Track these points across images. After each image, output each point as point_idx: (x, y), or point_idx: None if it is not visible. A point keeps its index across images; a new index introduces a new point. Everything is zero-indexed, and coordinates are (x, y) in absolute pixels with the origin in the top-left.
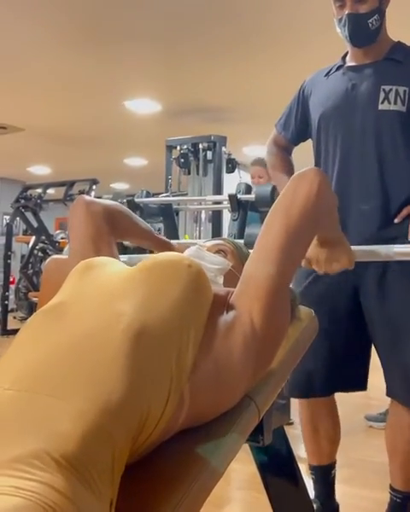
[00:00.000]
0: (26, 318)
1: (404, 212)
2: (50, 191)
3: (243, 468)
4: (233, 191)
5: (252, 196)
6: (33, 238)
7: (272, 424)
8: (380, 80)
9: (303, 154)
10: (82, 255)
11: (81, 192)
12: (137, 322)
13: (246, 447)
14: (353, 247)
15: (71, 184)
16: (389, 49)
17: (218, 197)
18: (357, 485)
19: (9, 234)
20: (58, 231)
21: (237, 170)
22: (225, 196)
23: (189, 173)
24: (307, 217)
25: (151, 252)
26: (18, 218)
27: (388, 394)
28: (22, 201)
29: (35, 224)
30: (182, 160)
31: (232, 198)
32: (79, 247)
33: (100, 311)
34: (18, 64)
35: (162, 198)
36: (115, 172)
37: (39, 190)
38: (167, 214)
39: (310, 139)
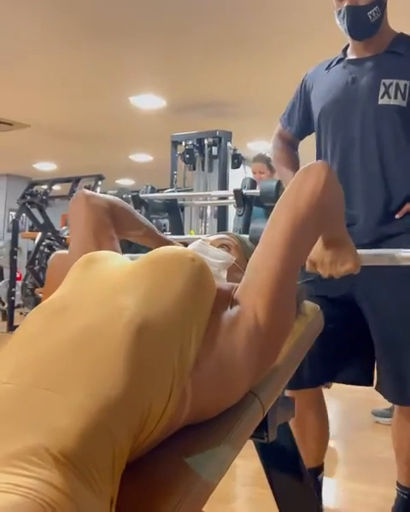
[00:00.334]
0: None
1: (405, 207)
2: (56, 187)
3: (247, 464)
4: (238, 186)
5: (257, 191)
6: (39, 234)
7: (276, 420)
8: (381, 74)
9: (309, 148)
10: (83, 249)
11: (87, 188)
12: (139, 316)
13: (251, 443)
14: (358, 251)
15: (76, 180)
16: (390, 41)
17: (223, 192)
18: (365, 482)
19: (16, 230)
20: (64, 227)
21: (242, 165)
22: (230, 192)
23: (194, 169)
24: (313, 212)
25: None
26: (24, 215)
27: (376, 389)
28: (28, 198)
29: (41, 221)
30: (187, 156)
31: (237, 193)
32: (80, 241)
33: (102, 305)
34: (22, 61)
35: (167, 193)
36: (121, 168)
37: (45, 187)
38: (173, 210)
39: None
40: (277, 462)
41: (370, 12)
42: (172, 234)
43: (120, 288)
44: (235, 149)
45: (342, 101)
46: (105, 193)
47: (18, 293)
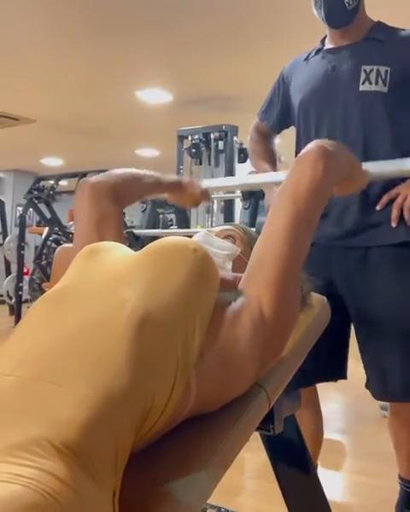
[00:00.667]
0: None
1: (384, 199)
2: (63, 183)
3: (254, 457)
4: None
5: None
6: (46, 229)
7: (282, 412)
8: (361, 60)
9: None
10: (87, 240)
11: None
12: (141, 309)
13: (257, 435)
14: (364, 165)
15: (83, 175)
16: (369, 29)
17: None
18: (371, 475)
19: (23, 225)
20: (71, 222)
21: (248, 159)
22: None
23: (200, 163)
24: (314, 199)
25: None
26: (31, 210)
27: (365, 386)
28: (35, 193)
29: (48, 216)
30: (193, 150)
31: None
32: (83, 233)
33: (104, 296)
34: (28, 56)
35: None
36: (127, 163)
37: (52, 182)
38: None
39: (293, 126)
40: (284, 455)
41: (346, 0)
42: (178, 228)
43: (123, 278)
44: (241, 144)
45: (323, 89)
46: None
47: (25, 287)
